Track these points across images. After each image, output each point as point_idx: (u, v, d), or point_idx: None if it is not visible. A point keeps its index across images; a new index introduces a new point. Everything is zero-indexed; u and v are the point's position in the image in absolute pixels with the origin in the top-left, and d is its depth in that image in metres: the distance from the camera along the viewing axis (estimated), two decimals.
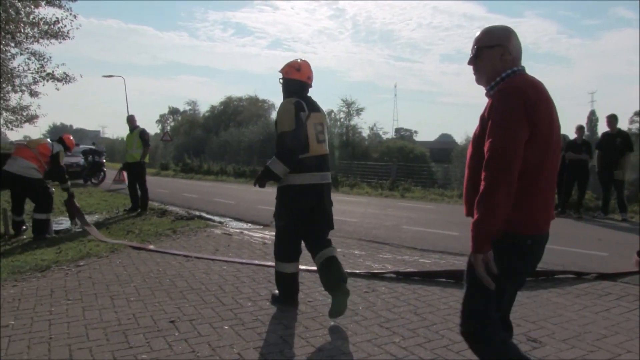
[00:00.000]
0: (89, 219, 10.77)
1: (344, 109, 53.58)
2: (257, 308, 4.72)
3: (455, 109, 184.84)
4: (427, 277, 5.79)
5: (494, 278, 2.24)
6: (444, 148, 57.63)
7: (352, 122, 54.45)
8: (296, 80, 4.55)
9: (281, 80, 4.63)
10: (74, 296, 5.07)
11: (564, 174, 11.49)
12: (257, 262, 6.52)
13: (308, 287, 5.36)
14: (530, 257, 2.42)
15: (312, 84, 4.68)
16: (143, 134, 11.50)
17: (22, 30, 18.76)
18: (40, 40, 19.73)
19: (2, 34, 17.06)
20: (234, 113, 57.73)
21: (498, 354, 2.40)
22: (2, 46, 17.63)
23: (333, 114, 54.45)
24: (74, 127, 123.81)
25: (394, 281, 5.67)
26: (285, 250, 4.67)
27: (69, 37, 19.86)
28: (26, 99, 22.05)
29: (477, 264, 2.23)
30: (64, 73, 20.71)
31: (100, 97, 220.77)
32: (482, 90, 2.57)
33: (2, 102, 20.77)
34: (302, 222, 4.56)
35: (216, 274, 5.93)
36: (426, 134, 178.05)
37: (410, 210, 13.02)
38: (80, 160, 23.13)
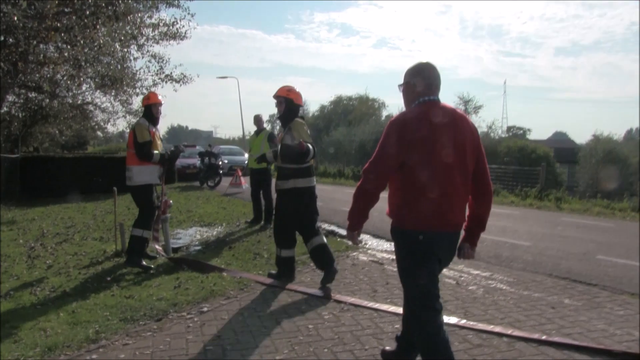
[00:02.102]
0: (208, 232, 9.55)
1: (460, 106, 50.87)
2: None
3: (571, 105, 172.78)
4: None
5: (403, 272, 3.09)
6: (562, 147, 52.70)
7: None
8: (300, 105, 5.97)
9: (281, 102, 5.90)
10: None
11: None
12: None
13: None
14: (424, 249, 2.91)
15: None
16: (272, 137, 10.06)
17: (143, 33, 18.34)
18: (160, 42, 19.31)
19: (127, 38, 16.60)
20: (344, 112, 56.64)
21: (428, 352, 2.93)
22: (125, 49, 17.23)
23: None
24: (189, 128, 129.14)
25: None
26: (286, 240, 5.95)
27: (186, 37, 19.36)
28: None
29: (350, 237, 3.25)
30: (182, 74, 20.22)
31: (212, 99, 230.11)
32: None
33: (125, 105, 20.56)
34: (300, 216, 5.84)
35: (388, 326, 4.22)
36: (539, 132, 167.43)
37: (588, 230, 10.59)
38: (197, 161, 22.71)
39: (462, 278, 6.21)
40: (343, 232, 9.75)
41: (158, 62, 19.65)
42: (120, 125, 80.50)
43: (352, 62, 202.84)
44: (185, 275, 6.20)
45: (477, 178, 3.02)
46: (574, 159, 42.59)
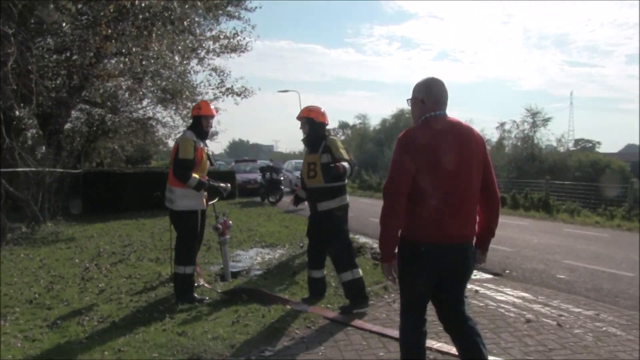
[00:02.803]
0: (270, 254, 8.92)
1: (528, 119, 48.81)
2: None
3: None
4: None
5: (401, 279, 3.10)
6: (636, 161, 49.39)
7: (538, 134, 49.30)
8: (323, 123, 5.75)
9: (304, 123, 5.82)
10: None
11: None
12: None
13: None
14: (425, 262, 2.97)
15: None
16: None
17: (204, 45, 18.16)
18: (221, 55, 19.09)
19: (187, 50, 16.45)
20: (406, 125, 55.26)
21: (404, 351, 3.20)
22: (184, 60, 17.03)
23: (515, 124, 49.85)
24: (250, 143, 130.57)
25: None
26: (351, 259, 5.65)
27: (247, 50, 19.11)
28: None
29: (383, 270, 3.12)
30: (243, 87, 19.91)
31: (272, 113, 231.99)
32: None
33: (186, 119, 20.46)
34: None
35: None
36: (609, 145, 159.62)
37: None
38: (258, 177, 22.32)
39: (563, 318, 5.30)
40: None
41: (219, 75, 19.40)
42: None
43: (413, 75, 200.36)
44: (244, 308, 5.55)
45: (485, 189, 3.08)
46: None
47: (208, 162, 6.18)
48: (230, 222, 7.33)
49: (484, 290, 6.45)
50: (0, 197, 10.74)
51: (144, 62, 12.51)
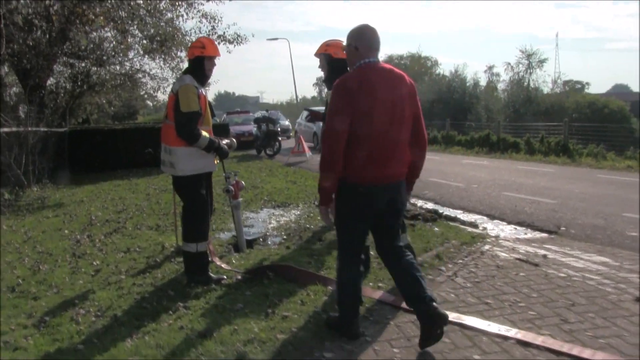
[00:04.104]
0: (284, 215, 7.87)
1: (523, 60, 47.47)
2: None
3: (630, 55, 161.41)
4: None
5: (339, 220, 3.30)
6: (629, 100, 48.16)
7: (534, 76, 48.09)
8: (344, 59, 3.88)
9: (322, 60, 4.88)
10: None
11: None
12: None
13: None
14: (364, 202, 3.15)
15: None
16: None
17: None
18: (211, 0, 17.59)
19: None
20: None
21: (341, 290, 3.41)
22: (173, 7, 15.56)
23: (510, 66, 48.53)
24: (236, 94, 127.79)
25: None
26: None
27: None
28: None
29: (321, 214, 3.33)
30: (235, 34, 18.43)
31: (257, 64, 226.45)
32: None
33: (175, 71, 19.04)
34: None
35: None
36: (597, 85, 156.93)
37: None
38: (253, 128, 21.15)
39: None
40: (451, 213, 7.92)
41: (209, 22, 17.88)
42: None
43: (401, 22, 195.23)
44: (275, 290, 4.50)
45: (414, 131, 3.26)
46: None
47: (209, 114, 5.00)
48: (243, 182, 6.24)
49: (551, 255, 5.43)
50: None
51: (131, 4, 11.12)
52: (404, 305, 3.96)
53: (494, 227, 7.09)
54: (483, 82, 48.65)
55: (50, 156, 13.78)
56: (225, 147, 4.92)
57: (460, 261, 5.20)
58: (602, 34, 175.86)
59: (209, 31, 18.15)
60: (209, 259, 5.07)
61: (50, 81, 17.13)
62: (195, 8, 17.45)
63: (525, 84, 46.16)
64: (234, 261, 5.48)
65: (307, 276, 4.74)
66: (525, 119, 32.30)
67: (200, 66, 4.74)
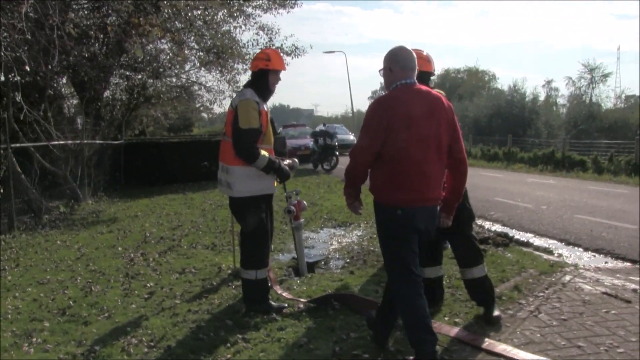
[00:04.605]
0: (346, 236, 7.44)
1: (585, 75, 45.82)
2: None
3: None
4: None
5: (382, 244, 3.36)
6: None
7: (596, 91, 46.33)
8: (429, 72, 4.23)
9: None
10: None
11: None
12: None
13: None
14: (402, 224, 3.13)
15: None
16: None
17: (250, 1, 16.58)
18: (268, 11, 17.48)
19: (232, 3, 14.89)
20: (453, 86, 53.44)
21: (399, 304, 3.26)
22: (230, 17, 15.50)
23: (571, 81, 46.95)
24: (290, 107, 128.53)
25: None
26: None
27: (297, 5, 17.66)
28: None
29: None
30: (293, 45, 18.25)
31: (310, 77, 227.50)
32: None
33: (232, 84, 19.01)
34: None
35: None
36: None
37: None
38: (309, 142, 20.88)
39: None
40: (522, 238, 7.32)
41: (267, 34, 17.76)
42: (227, 105, 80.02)
43: (454, 33, 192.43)
44: (341, 322, 4.10)
45: (453, 154, 3.23)
46: None
47: (271, 132, 4.62)
48: (305, 202, 5.86)
49: None
50: (34, 173, 9.57)
51: (188, 15, 11.02)
52: (486, 345, 3.48)
53: (570, 254, 6.49)
54: (541, 97, 47.26)
55: (105, 169, 13.84)
56: (287, 168, 4.54)
57: (541, 294, 4.66)
58: None
59: (266, 43, 18.08)
60: (269, 285, 4.69)
61: (107, 93, 17.36)
62: (252, 19, 17.44)
63: (588, 99, 44.54)
64: (295, 287, 5.10)
65: (373, 307, 4.29)
66: (588, 136, 30.96)
67: (263, 80, 4.39)
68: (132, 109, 18.63)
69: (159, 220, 9.43)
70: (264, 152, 4.27)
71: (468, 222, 4.16)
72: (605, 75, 45.97)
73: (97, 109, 14.86)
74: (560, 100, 48.92)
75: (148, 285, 5.41)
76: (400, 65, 3.18)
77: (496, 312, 4.00)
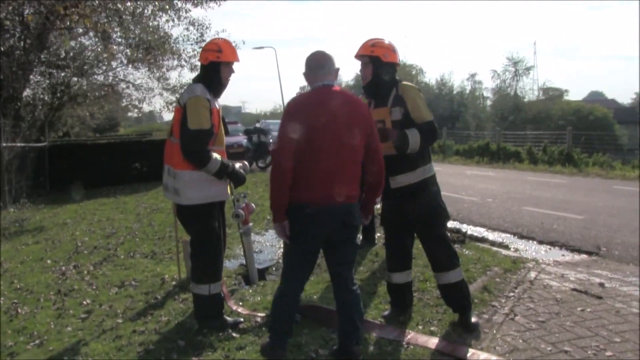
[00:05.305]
0: None
1: (509, 68, 47.47)
2: None
3: (602, 63, 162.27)
4: None
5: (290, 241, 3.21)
6: (611, 108, 48.04)
7: (520, 84, 48.20)
8: (395, 64, 3.89)
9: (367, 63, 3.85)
10: None
11: None
12: None
13: None
14: (311, 223, 3.09)
15: None
16: None
17: None
18: (199, 5, 16.80)
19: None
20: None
21: (275, 314, 3.30)
22: (160, 11, 14.76)
23: (496, 74, 48.45)
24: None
25: None
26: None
27: None
28: (185, 75, 19.54)
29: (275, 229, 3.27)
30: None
31: (238, 73, 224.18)
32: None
33: (162, 80, 18.23)
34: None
35: None
36: (573, 93, 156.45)
37: None
38: (243, 140, 20.36)
39: None
40: (475, 232, 7.25)
41: (197, 29, 17.10)
42: (156, 103, 76.73)
43: (382, 26, 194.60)
44: (307, 335, 3.76)
45: (369, 155, 3.22)
46: (634, 119, 39.36)
47: (223, 133, 4.20)
48: (253, 205, 5.49)
49: (609, 284, 4.77)
50: None
51: (117, 5, 10.32)
52: (470, 356, 3.26)
53: (526, 248, 6.46)
54: (467, 90, 48.57)
55: (28, 173, 12.88)
56: (242, 171, 4.15)
57: (512, 294, 4.51)
58: (576, 41, 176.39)
59: (197, 38, 17.45)
60: (223, 299, 4.29)
61: (27, 92, 16.22)
62: (182, 15, 16.72)
63: (512, 91, 46.16)
64: (248, 298, 4.73)
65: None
66: (515, 127, 32.03)
67: (215, 74, 3.95)
68: (55, 109, 17.54)
69: (90, 227, 8.76)
70: (216, 155, 3.84)
71: (442, 222, 3.89)
72: (528, 69, 47.85)
73: (17, 109, 13.80)
74: (485, 93, 50.44)
75: (84, 302, 4.88)
76: (311, 69, 3.22)
77: (474, 319, 3.79)
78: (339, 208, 3.12)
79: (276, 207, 3.16)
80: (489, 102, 48.43)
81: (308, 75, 3.26)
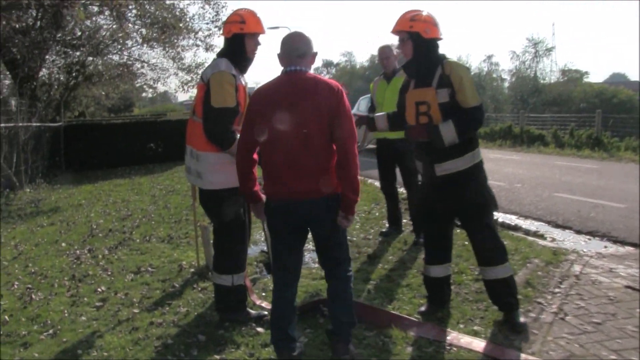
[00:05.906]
0: None
1: (529, 49, 46.41)
2: None
3: (624, 46, 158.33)
4: None
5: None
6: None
7: (540, 65, 47.12)
8: (436, 39, 3.55)
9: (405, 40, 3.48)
10: None
11: None
12: None
13: None
14: (278, 217, 3.00)
15: None
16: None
17: None
18: None
19: None
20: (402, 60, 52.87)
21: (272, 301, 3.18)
22: None
23: (516, 55, 47.38)
24: None
25: None
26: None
27: None
28: (201, 55, 19.28)
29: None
30: None
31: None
32: None
33: (177, 60, 17.93)
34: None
35: None
36: (594, 75, 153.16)
37: None
38: None
39: None
40: (513, 222, 6.91)
41: (213, 8, 16.75)
42: (171, 83, 76.08)
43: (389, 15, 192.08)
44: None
45: (338, 145, 2.90)
46: None
47: None
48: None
49: None
50: None
51: None
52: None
53: (564, 238, 6.09)
54: (484, 72, 47.65)
55: (44, 153, 12.72)
56: None
57: (557, 290, 4.17)
58: (598, 22, 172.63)
59: (212, 17, 17.12)
60: (247, 294, 4.01)
61: (43, 72, 16.05)
62: None
63: (532, 73, 45.21)
64: (270, 287, 4.44)
65: (372, 313, 3.71)
66: (536, 110, 31.36)
67: (239, 47, 3.61)
68: (71, 89, 17.34)
69: (105, 209, 8.55)
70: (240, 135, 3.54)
71: (488, 210, 3.56)
72: (549, 50, 46.76)
73: (33, 89, 13.65)
74: (502, 75, 49.42)
75: (99, 289, 4.64)
76: (285, 52, 2.97)
77: (521, 319, 3.48)
78: (300, 204, 2.92)
79: (242, 191, 3.18)
80: (506, 84, 47.57)
81: (282, 57, 2.99)
